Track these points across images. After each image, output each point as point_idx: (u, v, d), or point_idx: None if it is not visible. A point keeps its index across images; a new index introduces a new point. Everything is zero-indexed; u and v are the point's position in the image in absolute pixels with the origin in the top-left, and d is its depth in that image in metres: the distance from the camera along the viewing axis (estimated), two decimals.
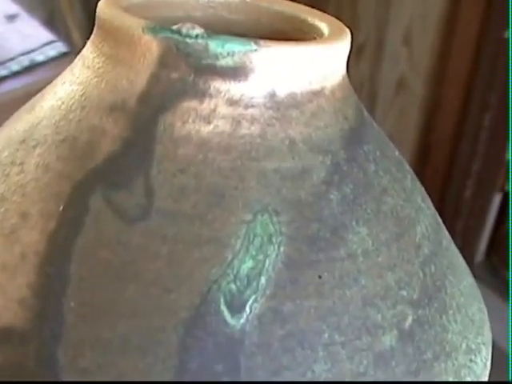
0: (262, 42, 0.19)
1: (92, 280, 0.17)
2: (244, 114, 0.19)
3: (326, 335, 0.18)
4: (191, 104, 0.19)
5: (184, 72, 0.19)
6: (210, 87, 0.19)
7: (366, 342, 0.18)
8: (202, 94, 0.19)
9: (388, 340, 0.19)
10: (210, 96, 0.19)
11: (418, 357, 0.19)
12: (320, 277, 0.18)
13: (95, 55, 0.20)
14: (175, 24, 0.19)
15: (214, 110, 0.19)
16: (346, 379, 0.18)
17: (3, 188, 0.19)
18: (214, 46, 0.18)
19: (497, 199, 1.04)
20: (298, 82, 0.19)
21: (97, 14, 0.21)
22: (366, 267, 0.19)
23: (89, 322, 0.17)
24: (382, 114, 1.11)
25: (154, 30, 0.19)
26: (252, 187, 0.18)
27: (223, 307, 0.17)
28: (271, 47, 0.19)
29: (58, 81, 0.22)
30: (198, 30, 0.19)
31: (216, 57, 0.18)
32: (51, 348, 0.17)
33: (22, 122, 0.21)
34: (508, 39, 0.92)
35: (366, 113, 0.23)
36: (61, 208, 0.18)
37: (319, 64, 0.20)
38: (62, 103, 0.20)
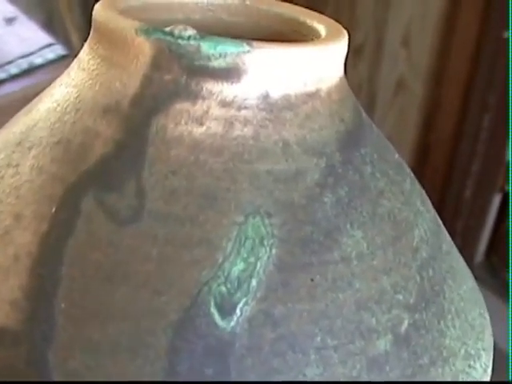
0: (254, 44, 0.18)
1: (83, 281, 0.17)
2: (237, 115, 0.19)
3: (318, 339, 0.18)
4: (184, 106, 0.19)
5: (176, 73, 0.19)
6: (202, 89, 0.19)
7: (359, 346, 0.18)
8: (194, 96, 0.19)
9: (382, 344, 0.18)
10: (203, 97, 0.19)
11: (413, 361, 0.19)
12: (312, 280, 0.18)
13: (90, 57, 0.20)
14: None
15: (207, 112, 0.19)
16: None
17: None
18: (207, 47, 0.18)
19: (497, 199, 1.03)
20: (292, 83, 0.19)
21: (93, 16, 0.21)
22: (360, 270, 0.19)
23: (79, 323, 0.17)
24: (382, 114, 1.11)
25: (146, 32, 0.19)
26: (244, 189, 0.18)
27: (213, 309, 0.17)
28: (264, 48, 0.19)
29: (56, 83, 0.22)
30: (191, 32, 0.19)
31: (208, 58, 0.18)
32: (42, 349, 0.17)
33: (19, 124, 0.21)
34: (507, 39, 0.92)
35: (364, 115, 0.22)
36: (53, 210, 0.18)
37: (314, 66, 0.20)
38: (58, 105, 0.20)
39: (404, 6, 1.03)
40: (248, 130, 0.19)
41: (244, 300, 0.17)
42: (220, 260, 0.17)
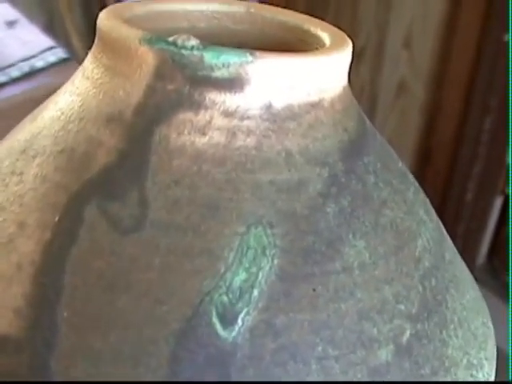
0: (257, 54, 0.18)
1: (85, 290, 0.17)
2: (239, 125, 0.19)
3: (320, 349, 0.18)
4: (187, 116, 0.19)
5: (179, 83, 0.19)
6: (205, 99, 0.19)
7: (360, 356, 0.18)
8: (197, 106, 0.19)
9: (384, 354, 0.18)
10: (206, 107, 0.19)
11: (415, 372, 0.19)
12: (314, 290, 0.18)
13: (94, 66, 0.21)
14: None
15: (210, 122, 0.19)
16: None
17: (2, 197, 0.20)
18: (210, 57, 0.18)
19: (498, 202, 1.03)
20: (295, 93, 0.19)
21: (97, 25, 0.21)
22: (362, 280, 0.19)
23: (81, 331, 0.17)
24: (383, 117, 1.11)
25: (150, 41, 0.19)
26: (246, 199, 0.18)
27: (215, 319, 0.17)
28: (267, 59, 0.19)
29: (61, 91, 0.22)
30: (194, 42, 0.19)
31: (211, 68, 0.18)
32: (44, 357, 0.17)
33: (24, 131, 0.21)
34: (508, 42, 0.92)
35: (368, 123, 0.22)
36: (56, 218, 0.18)
37: (317, 76, 0.20)
38: (62, 114, 0.20)
39: (405, 8, 1.03)
40: (251, 140, 0.19)
41: (245, 310, 0.17)
42: (222, 270, 0.17)
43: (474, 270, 0.25)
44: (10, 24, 0.69)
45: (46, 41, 0.66)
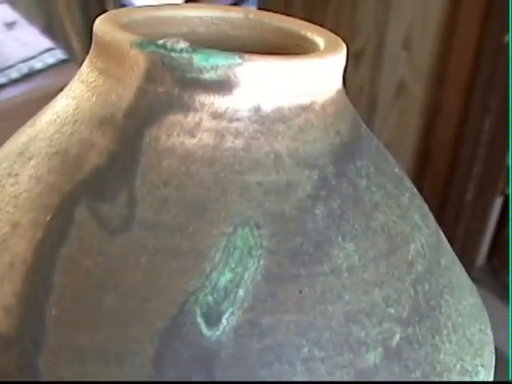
0: (246, 56, 0.19)
1: (73, 289, 0.18)
2: (228, 127, 0.19)
3: (306, 350, 0.18)
4: (176, 117, 0.19)
5: (169, 86, 0.19)
6: (194, 101, 0.19)
7: (347, 359, 0.18)
8: (186, 108, 0.19)
9: (372, 357, 0.18)
10: (195, 109, 0.19)
11: (404, 375, 0.19)
12: (301, 291, 0.18)
13: (89, 70, 0.21)
14: None
15: (199, 124, 0.19)
16: None
17: None
18: (198, 59, 0.18)
19: (498, 202, 1.03)
20: (285, 96, 0.19)
21: (93, 30, 0.21)
22: (350, 283, 0.19)
23: (68, 330, 0.17)
24: (383, 117, 1.11)
25: (140, 45, 0.19)
26: (234, 200, 0.18)
27: (200, 319, 0.17)
28: (256, 61, 0.19)
29: (59, 95, 0.22)
30: (183, 44, 0.19)
31: (200, 70, 0.19)
32: (32, 355, 0.17)
33: (22, 135, 0.22)
34: (508, 43, 0.92)
35: (364, 128, 0.22)
36: (48, 218, 0.18)
37: (308, 78, 0.20)
38: (58, 117, 0.21)
39: (405, 8, 1.03)
40: (239, 142, 0.19)
41: (230, 310, 0.17)
42: (208, 270, 0.18)
43: (473, 271, 0.25)
44: (9, 25, 0.69)
45: (44, 42, 0.67)
